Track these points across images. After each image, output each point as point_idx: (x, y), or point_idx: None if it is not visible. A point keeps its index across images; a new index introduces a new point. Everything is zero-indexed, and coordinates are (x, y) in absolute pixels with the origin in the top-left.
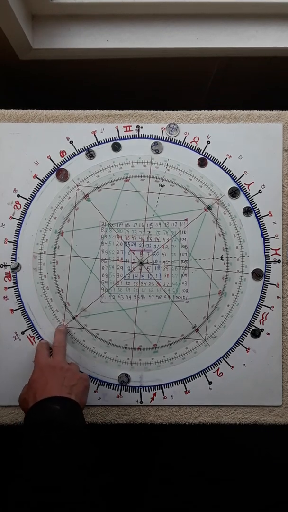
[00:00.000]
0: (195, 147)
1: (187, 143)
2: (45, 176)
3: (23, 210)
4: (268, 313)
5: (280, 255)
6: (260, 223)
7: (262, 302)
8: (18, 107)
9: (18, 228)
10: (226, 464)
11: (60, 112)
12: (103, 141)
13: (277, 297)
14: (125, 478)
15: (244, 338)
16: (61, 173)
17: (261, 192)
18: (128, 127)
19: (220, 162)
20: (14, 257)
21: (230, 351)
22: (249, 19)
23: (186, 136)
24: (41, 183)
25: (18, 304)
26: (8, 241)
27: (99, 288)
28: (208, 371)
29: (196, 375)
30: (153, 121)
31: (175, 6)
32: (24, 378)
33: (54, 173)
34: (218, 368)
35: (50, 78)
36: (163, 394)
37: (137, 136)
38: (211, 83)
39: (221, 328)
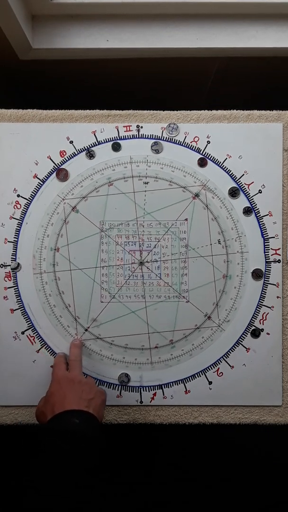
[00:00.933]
0: (195, 147)
1: (187, 143)
2: (45, 176)
3: (23, 210)
4: (268, 313)
5: (280, 255)
6: (260, 223)
7: (262, 302)
8: (18, 107)
9: (18, 228)
10: (226, 464)
11: (60, 112)
12: (103, 141)
13: (277, 297)
14: (125, 478)
15: (244, 338)
16: (61, 173)
17: (261, 192)
18: (128, 127)
19: (220, 162)
20: (14, 257)
21: (230, 351)
22: (249, 19)
23: (186, 136)
24: (41, 183)
25: (18, 304)
26: (8, 241)
27: (105, 296)
28: (208, 371)
29: (196, 375)
30: (153, 121)
31: (175, 6)
32: (24, 378)
33: (54, 173)
34: (218, 368)
35: (50, 78)
36: (163, 394)
37: (137, 136)
38: (211, 83)
39: (232, 310)
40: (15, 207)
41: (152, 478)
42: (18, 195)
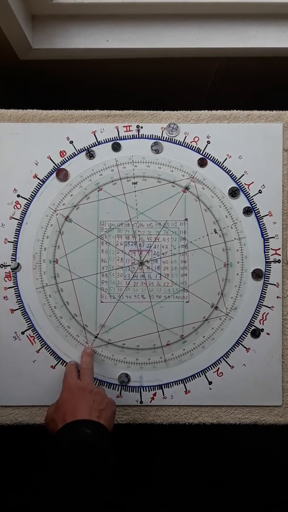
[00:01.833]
0: (195, 147)
1: (187, 143)
2: (45, 176)
3: (23, 210)
4: (268, 313)
5: (280, 255)
6: (260, 223)
7: (262, 302)
8: (18, 107)
9: (18, 228)
10: (226, 464)
11: (60, 112)
12: (103, 141)
13: (277, 297)
14: (125, 478)
15: (244, 338)
16: (61, 173)
17: (261, 192)
18: (128, 127)
19: (220, 162)
20: (14, 257)
21: (230, 351)
22: (249, 19)
23: (186, 136)
24: (41, 183)
25: (18, 304)
26: (8, 241)
27: (110, 300)
28: (208, 371)
29: (196, 375)
30: (153, 121)
31: (175, 6)
32: (24, 378)
33: (54, 173)
34: (218, 368)
35: (50, 78)
36: (163, 394)
37: (137, 136)
38: (211, 83)
39: (238, 297)
40: (15, 207)
41: (152, 478)
42: (18, 195)
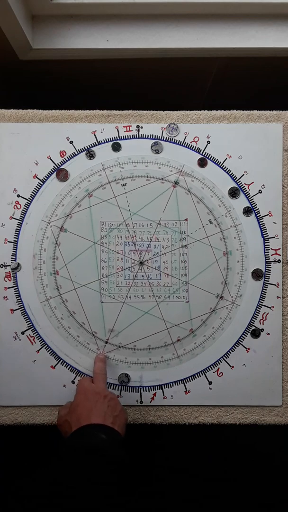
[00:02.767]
0: (195, 147)
1: (187, 143)
2: (45, 176)
3: (23, 210)
4: (268, 313)
5: (280, 255)
6: (260, 223)
7: (262, 302)
8: (18, 107)
9: (18, 228)
10: (226, 464)
11: (60, 112)
12: (103, 141)
13: (277, 297)
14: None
15: (244, 338)
16: (61, 173)
17: (261, 192)
18: (128, 127)
19: (220, 162)
20: (14, 257)
21: (230, 351)
22: (249, 19)
23: (186, 136)
24: (41, 183)
25: (18, 304)
26: (8, 241)
27: (115, 304)
28: (208, 371)
29: (196, 375)
30: (153, 121)
31: (175, 6)
32: (24, 378)
33: (54, 173)
34: (218, 368)
35: (50, 78)
36: (163, 394)
37: (137, 136)
38: (211, 83)
39: (242, 284)
40: (15, 207)
41: (152, 478)
42: (18, 195)
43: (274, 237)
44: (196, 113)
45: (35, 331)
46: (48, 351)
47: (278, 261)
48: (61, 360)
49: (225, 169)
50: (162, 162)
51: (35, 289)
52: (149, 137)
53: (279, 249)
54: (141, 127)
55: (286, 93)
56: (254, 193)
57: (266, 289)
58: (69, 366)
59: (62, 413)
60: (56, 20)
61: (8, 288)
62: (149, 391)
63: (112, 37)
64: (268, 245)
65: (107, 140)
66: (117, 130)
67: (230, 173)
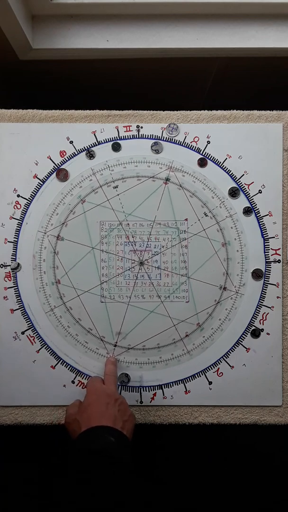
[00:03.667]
0: (195, 147)
1: (187, 143)
2: (45, 176)
3: (23, 210)
4: (268, 313)
5: (280, 255)
6: (260, 223)
7: (262, 302)
8: (18, 107)
9: (18, 228)
10: (226, 464)
11: (60, 112)
12: (103, 141)
13: (277, 297)
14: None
15: (244, 338)
16: (61, 173)
17: (261, 192)
18: (128, 127)
19: (220, 162)
20: (14, 257)
21: (230, 351)
22: (249, 19)
23: (186, 136)
24: (41, 183)
25: (18, 304)
26: (8, 241)
27: (119, 306)
28: (208, 371)
29: (196, 375)
30: (153, 121)
31: (175, 6)
32: (24, 378)
33: (54, 173)
34: (218, 368)
35: (50, 78)
36: (163, 394)
37: (137, 136)
38: (211, 83)
39: (244, 273)
40: (15, 207)
41: (152, 478)
42: (18, 195)
43: (274, 237)
44: (196, 113)
45: (35, 331)
46: (48, 351)
47: (278, 261)
48: (61, 360)
49: (225, 169)
50: (151, 160)
51: (35, 289)
52: (149, 137)
53: (279, 249)
54: (141, 127)
55: (286, 93)
56: (254, 193)
57: (266, 289)
58: (69, 366)
59: (71, 411)
60: (56, 20)
61: (8, 288)
62: (149, 391)
63: (112, 37)
64: (268, 245)
65: (107, 140)
66: (117, 130)
67: (230, 173)
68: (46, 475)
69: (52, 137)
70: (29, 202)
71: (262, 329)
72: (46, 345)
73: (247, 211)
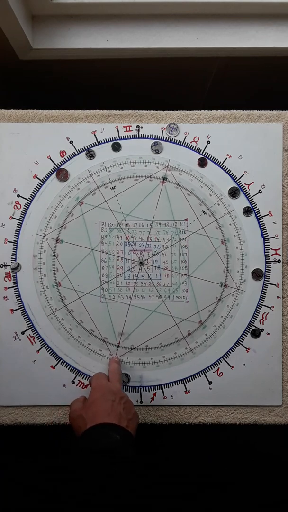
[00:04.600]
0: (195, 147)
1: (187, 143)
2: (45, 176)
3: (23, 210)
4: (268, 313)
5: (280, 255)
6: (260, 223)
7: (262, 302)
8: (18, 107)
9: (18, 228)
10: (226, 464)
11: (60, 112)
12: (103, 141)
13: (277, 297)
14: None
15: (244, 338)
16: (61, 173)
17: (261, 192)
18: (128, 127)
19: (220, 162)
20: (14, 257)
21: (230, 351)
22: (249, 19)
23: (186, 136)
24: (41, 183)
25: (18, 304)
26: (8, 241)
27: (121, 307)
28: (208, 371)
29: (196, 375)
30: (153, 121)
31: (175, 6)
32: (24, 378)
33: (54, 173)
34: (218, 368)
35: (50, 78)
36: (163, 394)
37: (137, 136)
38: (211, 83)
39: (244, 269)
40: (15, 207)
41: (152, 478)
42: (18, 195)
43: (274, 237)
44: (196, 113)
45: (35, 331)
46: (48, 351)
47: (278, 261)
48: (61, 360)
49: (225, 169)
50: (147, 160)
51: (36, 290)
52: (149, 137)
53: (279, 249)
54: (141, 127)
55: (286, 93)
56: (254, 193)
57: (266, 289)
58: (69, 366)
59: (75, 407)
60: (56, 20)
61: (8, 288)
62: (149, 391)
63: (112, 37)
64: (268, 245)
65: (107, 140)
66: (117, 130)
67: (230, 173)
68: (46, 475)
69: (52, 137)
70: (29, 202)
71: (262, 329)
72: (46, 345)
73: (247, 211)
